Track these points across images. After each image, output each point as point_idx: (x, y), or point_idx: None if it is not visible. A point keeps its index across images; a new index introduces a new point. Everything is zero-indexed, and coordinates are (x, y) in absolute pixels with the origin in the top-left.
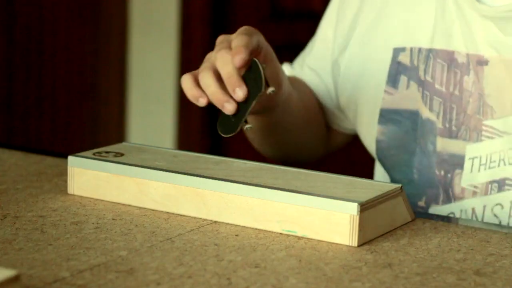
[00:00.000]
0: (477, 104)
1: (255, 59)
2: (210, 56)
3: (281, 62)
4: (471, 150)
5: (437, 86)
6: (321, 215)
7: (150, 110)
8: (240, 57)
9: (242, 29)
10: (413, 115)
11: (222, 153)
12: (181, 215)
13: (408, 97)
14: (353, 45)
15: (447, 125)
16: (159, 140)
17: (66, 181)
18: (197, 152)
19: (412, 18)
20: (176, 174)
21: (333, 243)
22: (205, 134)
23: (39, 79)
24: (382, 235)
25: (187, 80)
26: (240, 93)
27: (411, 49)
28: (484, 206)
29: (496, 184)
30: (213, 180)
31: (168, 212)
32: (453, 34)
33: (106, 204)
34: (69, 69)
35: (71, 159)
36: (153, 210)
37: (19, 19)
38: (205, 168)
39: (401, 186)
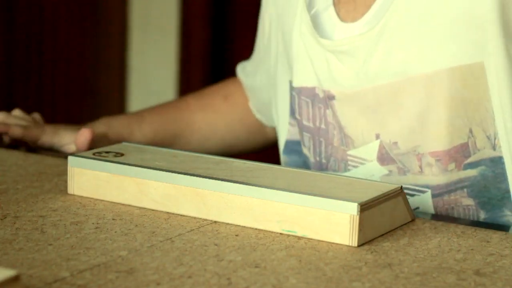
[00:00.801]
0: (339, 136)
1: None
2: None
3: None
4: None
5: (304, 122)
6: (321, 215)
7: None
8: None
9: None
10: (299, 146)
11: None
12: (181, 215)
13: (296, 128)
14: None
15: (317, 159)
16: None
17: (66, 181)
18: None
19: (288, 52)
20: (176, 174)
21: (333, 243)
22: None
23: (39, 79)
24: (382, 235)
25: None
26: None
27: (290, 83)
28: None
29: None
30: (213, 180)
31: (168, 212)
32: (308, 70)
33: (106, 204)
34: (69, 69)
35: (71, 159)
36: (153, 210)
37: (19, 19)
38: (205, 168)
39: (401, 186)
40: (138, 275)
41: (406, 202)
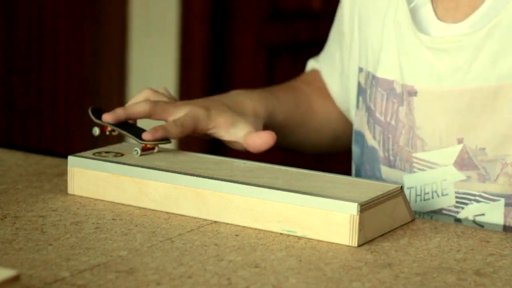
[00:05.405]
0: (407, 136)
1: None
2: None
3: (282, 61)
4: (408, 180)
5: (377, 114)
6: (321, 215)
7: None
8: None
9: (189, 111)
10: (362, 138)
11: (222, 153)
12: (181, 215)
13: (361, 119)
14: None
15: (386, 154)
16: None
17: (66, 181)
18: (197, 152)
19: (367, 37)
20: (176, 174)
21: (333, 243)
22: None
23: (39, 79)
24: (382, 235)
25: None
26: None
27: (365, 71)
28: None
29: (433, 215)
30: (213, 180)
31: (168, 212)
32: (392, 62)
33: (106, 204)
34: (69, 69)
35: (71, 159)
36: (153, 210)
37: (19, 19)
38: (205, 168)
39: (401, 186)
40: (138, 275)
41: (406, 202)
